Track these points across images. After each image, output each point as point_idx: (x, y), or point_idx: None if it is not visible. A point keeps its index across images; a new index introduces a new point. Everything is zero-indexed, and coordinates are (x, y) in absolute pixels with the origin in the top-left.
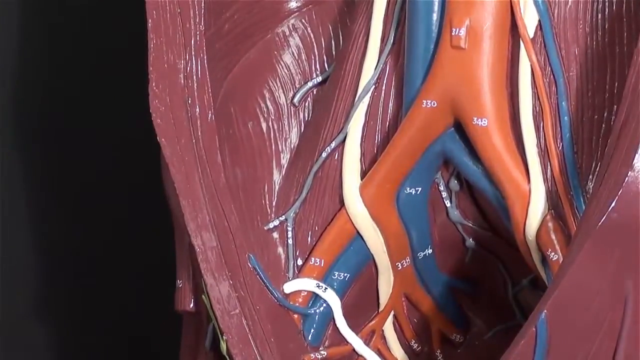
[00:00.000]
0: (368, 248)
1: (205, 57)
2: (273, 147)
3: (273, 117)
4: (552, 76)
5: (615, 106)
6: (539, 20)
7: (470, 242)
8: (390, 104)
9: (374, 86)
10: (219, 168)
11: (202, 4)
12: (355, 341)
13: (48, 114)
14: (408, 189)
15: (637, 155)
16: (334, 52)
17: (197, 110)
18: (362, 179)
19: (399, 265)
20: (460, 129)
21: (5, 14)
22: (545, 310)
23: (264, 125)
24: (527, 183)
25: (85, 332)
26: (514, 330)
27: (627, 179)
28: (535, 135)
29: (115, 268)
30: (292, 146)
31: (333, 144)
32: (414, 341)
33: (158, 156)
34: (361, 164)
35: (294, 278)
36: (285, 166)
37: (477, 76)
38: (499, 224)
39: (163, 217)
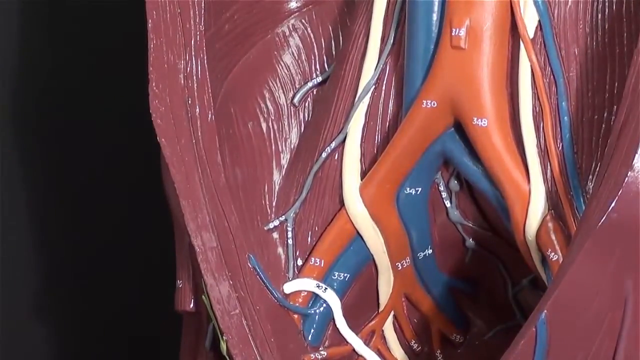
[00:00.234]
0: (368, 248)
1: (205, 58)
2: (273, 147)
3: (273, 117)
4: (552, 76)
5: (615, 106)
6: (539, 21)
7: (470, 242)
8: (390, 104)
9: (374, 86)
10: (219, 168)
11: (202, 5)
12: (355, 341)
13: (48, 113)
14: (408, 189)
15: (637, 156)
16: (334, 53)
17: (197, 110)
18: (362, 179)
19: (399, 265)
20: (460, 129)
21: (5, 14)
22: (545, 311)
23: (264, 126)
24: (527, 183)
25: (85, 332)
26: (514, 331)
27: (627, 179)
28: (535, 135)
29: (115, 268)
30: (292, 146)
31: (333, 144)
32: (414, 341)
33: (158, 156)
34: (361, 164)
35: (294, 278)
36: (285, 166)
37: (477, 76)
38: (499, 224)
39: (163, 217)
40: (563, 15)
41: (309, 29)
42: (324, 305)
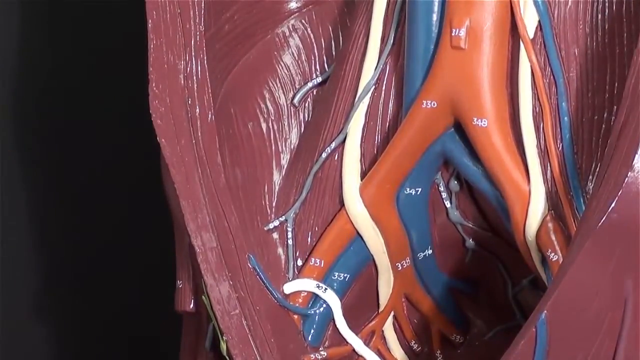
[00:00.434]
0: (368, 248)
1: (205, 58)
2: (273, 147)
3: (273, 118)
4: (552, 77)
5: (615, 107)
6: (539, 21)
7: (470, 242)
8: (390, 105)
9: (373, 87)
10: (219, 168)
11: (202, 5)
12: (355, 342)
13: (48, 113)
14: (408, 189)
15: (637, 156)
16: (334, 53)
17: (197, 110)
18: (362, 179)
19: (399, 265)
20: (460, 129)
21: (5, 14)
22: (545, 311)
23: (264, 126)
24: (527, 184)
25: (85, 332)
26: (514, 331)
27: (627, 179)
28: (535, 135)
29: (115, 268)
30: (292, 147)
31: (333, 145)
32: (414, 342)
33: (158, 156)
34: (361, 164)
35: (294, 278)
36: (285, 167)
37: (477, 76)
38: (499, 224)
39: (163, 217)
40: (563, 15)
41: (309, 29)
42: (324, 305)
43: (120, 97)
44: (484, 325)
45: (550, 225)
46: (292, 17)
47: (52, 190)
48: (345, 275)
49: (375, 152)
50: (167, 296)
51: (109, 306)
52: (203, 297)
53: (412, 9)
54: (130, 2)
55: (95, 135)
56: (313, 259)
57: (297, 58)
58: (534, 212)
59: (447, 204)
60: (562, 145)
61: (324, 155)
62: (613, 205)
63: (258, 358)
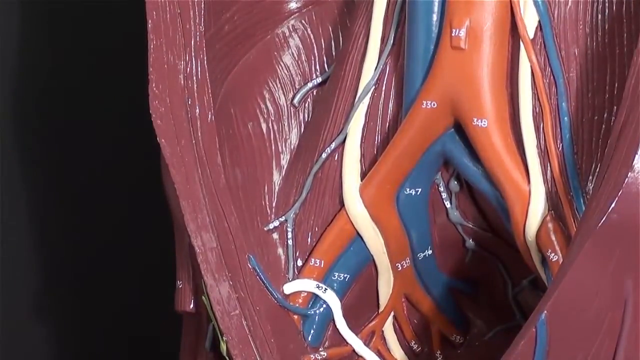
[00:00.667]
0: (368, 249)
1: (205, 58)
2: (273, 147)
3: (273, 118)
4: (552, 77)
5: (615, 107)
6: (539, 21)
7: (470, 242)
8: (390, 105)
9: (373, 87)
10: (219, 169)
11: (202, 5)
12: (355, 342)
13: (48, 113)
14: (408, 189)
15: (637, 156)
16: (334, 53)
17: (197, 111)
18: (362, 179)
19: (399, 266)
20: (460, 129)
21: (5, 14)
22: (545, 311)
23: (264, 126)
24: (527, 184)
25: (85, 332)
26: (514, 331)
27: (627, 179)
28: (535, 136)
29: (115, 268)
30: (292, 147)
31: (333, 145)
32: (413, 342)
33: (158, 157)
34: (361, 164)
35: (294, 279)
36: (285, 167)
37: (477, 77)
38: (499, 224)
39: (163, 217)
40: (563, 15)
41: (309, 29)
42: (324, 305)
43: (120, 97)
44: (484, 325)
45: (550, 225)
46: (292, 17)
47: (52, 190)
48: (345, 275)
49: (375, 152)
50: (167, 296)
51: (109, 306)
52: (203, 297)
53: (412, 9)
54: (130, 2)
55: (95, 135)
56: (313, 259)
57: (297, 58)
58: (534, 213)
59: (447, 204)
60: (562, 146)
61: (324, 155)
62: (613, 205)
63: (258, 358)
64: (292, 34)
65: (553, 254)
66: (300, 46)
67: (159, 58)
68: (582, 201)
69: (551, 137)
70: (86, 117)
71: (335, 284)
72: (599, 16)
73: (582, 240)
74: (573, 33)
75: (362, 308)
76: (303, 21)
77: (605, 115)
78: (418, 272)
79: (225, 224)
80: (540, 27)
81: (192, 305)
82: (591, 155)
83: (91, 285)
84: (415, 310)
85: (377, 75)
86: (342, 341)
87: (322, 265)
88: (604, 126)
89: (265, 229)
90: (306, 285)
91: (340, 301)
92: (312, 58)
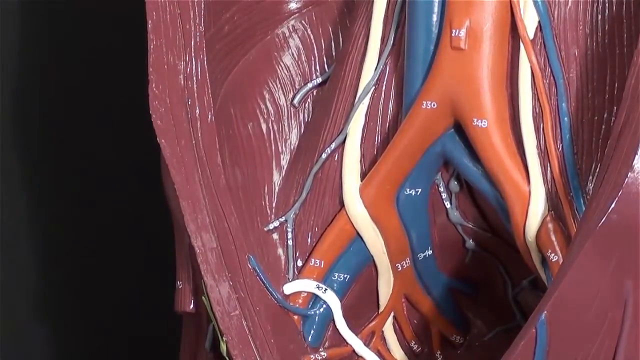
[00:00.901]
0: (368, 249)
1: (205, 58)
2: (273, 148)
3: (273, 118)
4: (552, 77)
5: (615, 107)
6: (539, 21)
7: (470, 243)
8: (390, 105)
9: (373, 87)
10: (219, 169)
11: (202, 5)
12: (355, 342)
13: (48, 113)
14: (408, 189)
15: (637, 157)
16: (333, 53)
17: (197, 111)
18: (362, 180)
19: (399, 266)
20: (460, 130)
21: (5, 14)
22: (545, 311)
23: (264, 126)
24: (527, 184)
25: (85, 332)
26: (514, 332)
27: (627, 180)
28: (535, 136)
29: (115, 268)
30: (292, 147)
31: (333, 145)
32: (413, 342)
33: (158, 157)
34: (361, 165)
35: (294, 279)
36: (285, 167)
37: (477, 77)
38: (499, 225)
39: (163, 217)
40: (563, 16)
41: (308, 29)
42: (324, 306)
43: (120, 97)
44: (484, 325)
45: (550, 225)
46: (292, 17)
47: (52, 190)
48: (345, 275)
49: (375, 152)
50: (167, 296)
51: (109, 306)
52: (203, 297)
53: (412, 10)
54: (130, 2)
55: (95, 135)
56: (313, 260)
57: (297, 59)
58: (534, 213)
59: (447, 204)
60: (562, 146)
61: (323, 155)
62: (613, 205)
63: (258, 359)
64: (292, 34)
65: (553, 254)
66: (300, 46)
67: (159, 58)
68: (582, 201)
69: (551, 137)
70: (86, 117)
71: (335, 284)
72: (599, 17)
73: (582, 241)
74: (573, 33)
75: (362, 308)
76: (303, 21)
77: (605, 115)
78: (418, 272)
79: (225, 224)
80: (540, 27)
81: (192, 306)
82: (591, 156)
83: (91, 285)
84: (415, 311)
85: (377, 76)
86: (342, 341)
87: (322, 266)
88: (604, 126)
89: (265, 229)
90: (306, 285)
91: (340, 301)
92: (312, 58)
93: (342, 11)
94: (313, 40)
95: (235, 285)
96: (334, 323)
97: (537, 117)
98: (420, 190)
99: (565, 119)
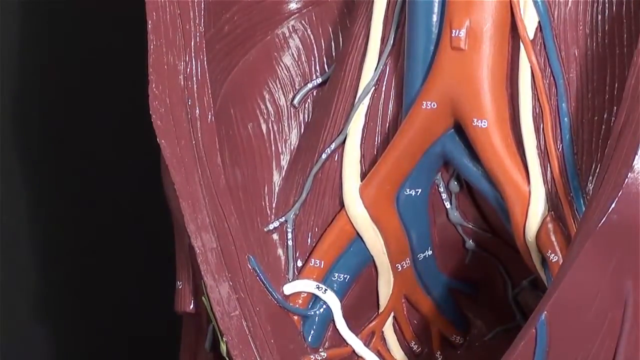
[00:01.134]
0: (368, 249)
1: (205, 59)
2: (273, 148)
3: (273, 119)
4: (552, 77)
5: (615, 107)
6: (539, 22)
7: (470, 243)
8: (390, 106)
9: (373, 87)
10: (218, 169)
11: (202, 5)
12: (355, 342)
13: (48, 113)
14: (408, 190)
15: (637, 157)
16: (334, 54)
17: (197, 111)
18: (362, 180)
19: (399, 266)
20: (460, 130)
21: (5, 14)
22: (545, 312)
23: (263, 127)
24: (527, 184)
25: (85, 332)
26: (514, 332)
27: (627, 180)
28: (535, 136)
29: (115, 268)
30: (292, 147)
31: (333, 146)
32: (413, 342)
33: (158, 157)
34: (361, 165)
35: (293, 279)
36: (285, 167)
37: (477, 77)
38: (498, 225)
39: (163, 217)
40: (563, 16)
41: (309, 30)
42: (324, 306)
43: (120, 98)
44: (484, 326)
45: (550, 226)
46: (292, 18)
47: (52, 190)
48: (345, 276)
49: (375, 153)
50: (167, 296)
51: (109, 306)
52: (203, 298)
53: (412, 10)
54: (130, 2)
55: (95, 135)
56: (313, 260)
57: (297, 59)
58: (534, 213)
59: (447, 204)
60: (562, 146)
61: (323, 156)
62: (613, 206)
63: (258, 359)
64: (292, 34)
65: (553, 255)
66: (300, 47)
67: (159, 59)
68: (582, 202)
69: (551, 137)
70: (86, 117)
71: (335, 285)
72: (599, 17)
73: (582, 241)
74: (573, 34)
75: (362, 308)
76: (303, 22)
77: (605, 115)
78: (418, 272)
79: (225, 224)
80: (540, 27)
81: (192, 306)
82: (591, 156)
83: (91, 285)
84: (415, 311)
85: (377, 76)
86: (342, 342)
87: (322, 266)
88: (604, 127)
89: (265, 229)
90: (306, 285)
91: (340, 302)
92: (312, 59)
93: (342, 11)
94: (313, 41)
95: (235, 286)
96: (334, 323)
97: (537, 118)
98: (420, 190)
99: (565, 119)
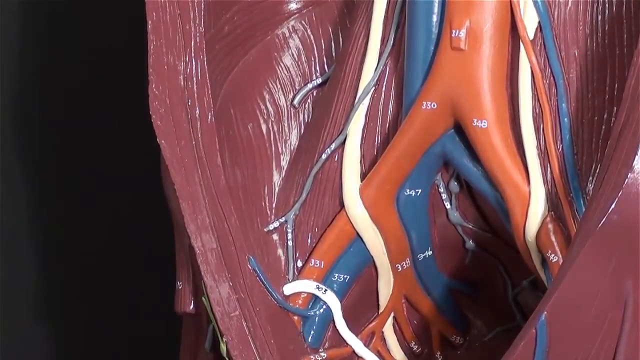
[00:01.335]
0: (368, 250)
1: (205, 59)
2: (273, 148)
3: (273, 119)
4: (552, 78)
5: (615, 108)
6: (539, 22)
7: (470, 243)
8: (390, 106)
9: (373, 88)
10: (218, 169)
11: (202, 6)
12: (355, 343)
13: (48, 113)
14: (408, 190)
15: (637, 157)
16: (334, 54)
17: (197, 111)
18: (362, 180)
19: (399, 266)
20: (460, 130)
21: (5, 14)
22: (545, 312)
23: (263, 127)
24: (527, 185)
25: (85, 332)
26: (514, 332)
27: (627, 180)
28: (535, 136)
29: (115, 268)
30: (292, 148)
31: (333, 146)
32: (413, 343)
33: (158, 157)
34: (361, 165)
35: (293, 280)
36: (285, 168)
37: (477, 77)
38: (498, 225)
39: (163, 217)
40: (563, 16)
41: (308, 30)
42: (324, 306)
43: (120, 98)
44: (484, 326)
45: (550, 226)
46: (292, 18)
47: (52, 190)
48: (345, 276)
49: (375, 153)
50: (167, 296)
51: (109, 306)
52: (203, 298)
53: (412, 10)
54: (130, 2)
55: (95, 135)
56: (313, 260)
57: (297, 59)
58: (534, 213)
59: (447, 205)
60: (562, 147)
61: (323, 156)
62: (613, 206)
63: (258, 359)
64: (292, 34)
65: (553, 255)
66: (300, 47)
67: (158, 59)
68: (582, 202)
69: (551, 138)
70: (86, 117)
71: (335, 285)
72: (599, 17)
73: (582, 241)
74: (573, 34)
75: (362, 309)
76: (303, 22)
77: (605, 116)
78: (418, 273)
79: (225, 224)
80: (540, 28)
81: (192, 306)
82: (591, 156)
83: (91, 285)
84: (415, 311)
85: (377, 76)
86: (342, 342)
87: (322, 266)
88: (604, 127)
89: (265, 229)
90: (306, 286)
91: (340, 302)
92: (312, 59)
93: (342, 11)
94: (313, 41)
95: (235, 286)
96: (334, 324)
97: (537, 118)
98: (420, 190)
99: (565, 119)
